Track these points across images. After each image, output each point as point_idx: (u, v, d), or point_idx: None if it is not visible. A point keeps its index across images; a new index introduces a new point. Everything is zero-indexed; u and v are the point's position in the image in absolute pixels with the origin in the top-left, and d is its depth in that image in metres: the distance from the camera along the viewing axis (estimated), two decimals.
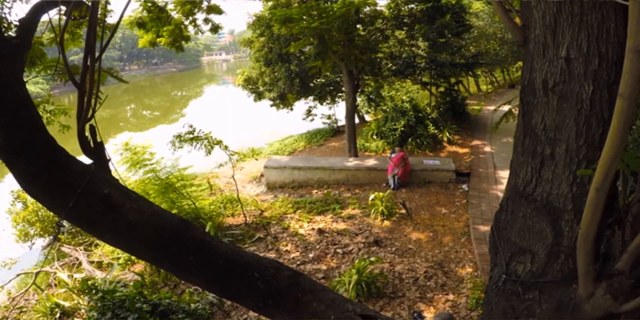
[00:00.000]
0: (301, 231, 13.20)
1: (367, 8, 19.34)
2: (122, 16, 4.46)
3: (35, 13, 5.75)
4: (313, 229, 13.27)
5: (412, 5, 21.14)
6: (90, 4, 5.88)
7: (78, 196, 4.18)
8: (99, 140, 4.74)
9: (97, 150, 4.78)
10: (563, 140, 2.41)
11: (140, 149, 13.88)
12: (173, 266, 4.21)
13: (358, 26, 19.24)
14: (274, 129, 32.82)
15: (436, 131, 22.55)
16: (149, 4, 10.88)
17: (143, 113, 65.21)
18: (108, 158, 4.98)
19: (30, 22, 5.47)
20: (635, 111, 1.85)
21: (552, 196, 2.53)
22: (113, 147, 13.46)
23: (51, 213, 15.06)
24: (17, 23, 4.86)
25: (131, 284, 9.58)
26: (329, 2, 19.92)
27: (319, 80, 25.97)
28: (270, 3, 22.92)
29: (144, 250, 4.30)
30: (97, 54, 4.50)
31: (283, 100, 26.75)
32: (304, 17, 14.78)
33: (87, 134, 4.27)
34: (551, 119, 2.44)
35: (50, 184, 4.33)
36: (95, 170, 4.56)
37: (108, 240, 4.71)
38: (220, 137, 13.90)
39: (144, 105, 70.44)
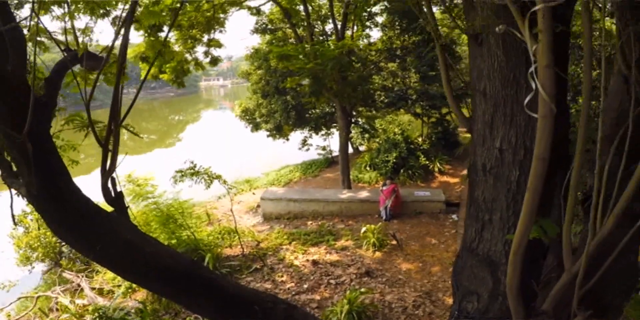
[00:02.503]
0: (296, 262, 13.75)
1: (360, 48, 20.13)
2: (122, 65, 5.17)
3: (59, 72, 6.46)
4: (308, 260, 13.82)
5: (404, 38, 22.04)
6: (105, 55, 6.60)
7: (104, 242, 4.90)
8: (118, 190, 5.46)
9: (117, 199, 5.51)
10: (497, 210, 3.14)
11: (142, 182, 14.55)
12: (186, 300, 4.87)
13: (352, 58, 19.98)
14: (270, 156, 33.31)
15: (427, 162, 23.28)
16: (152, 39, 11.10)
17: (140, 136, 65.19)
18: (127, 206, 5.70)
19: (55, 80, 6.19)
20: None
21: (491, 252, 3.26)
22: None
23: (53, 239, 15.61)
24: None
25: (133, 311, 10.14)
26: (325, 41, 20.87)
27: (315, 111, 26.67)
28: (267, 37, 23.88)
29: (162, 287, 4.97)
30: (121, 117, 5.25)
31: (279, 131, 27.42)
32: (300, 56, 15.54)
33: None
34: (489, 193, 3.18)
35: (79, 230, 5.06)
36: (117, 218, 5.31)
37: (129, 278, 5.37)
38: (216, 164, 14.49)
39: (141, 129, 70.59)
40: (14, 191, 4.98)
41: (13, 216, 10.88)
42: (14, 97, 5.15)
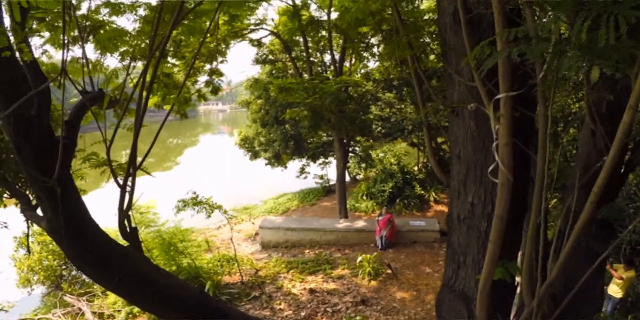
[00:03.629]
0: (294, 290, 14.17)
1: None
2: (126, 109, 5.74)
3: (78, 114, 7.06)
4: (305, 288, 14.24)
5: (401, 68, 22.53)
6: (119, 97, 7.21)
7: (122, 275, 5.45)
8: (133, 226, 6.01)
9: (132, 235, 6.07)
10: (470, 253, 3.71)
11: (145, 209, 15.08)
12: None
13: (350, 90, 20.52)
14: (268, 183, 33.69)
15: (423, 192, 23.80)
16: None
17: (138, 159, 65.18)
18: (141, 241, 6.25)
19: (75, 122, 6.77)
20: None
21: (466, 288, 3.81)
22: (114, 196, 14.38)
23: (54, 263, 16.00)
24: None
25: None
26: (324, 72, 21.52)
27: (313, 140, 27.13)
28: (267, 67, 24.55)
29: (174, 316, 5.47)
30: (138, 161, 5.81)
31: (278, 160, 27.87)
32: (299, 90, 16.16)
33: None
34: (463, 239, 3.76)
35: (99, 264, 5.61)
36: (133, 252, 5.86)
37: (145, 308, 5.87)
38: (214, 190, 14.95)
39: (139, 151, 70.24)
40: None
41: (28, 246, 11.31)
42: (38, 139, 5.68)
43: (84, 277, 16.50)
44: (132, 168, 5.61)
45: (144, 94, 5.68)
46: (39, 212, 6.74)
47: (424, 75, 4.86)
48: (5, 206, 10.18)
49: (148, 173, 6.83)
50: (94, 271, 5.78)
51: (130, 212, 14.90)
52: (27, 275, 15.75)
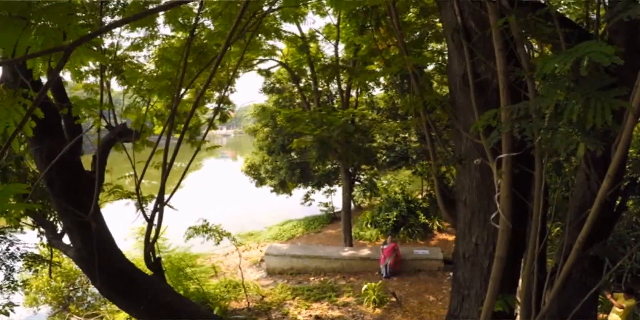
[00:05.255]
0: (300, 317, 14.44)
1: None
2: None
3: (105, 150, 7.54)
4: (310, 315, 14.52)
5: (406, 98, 22.78)
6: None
7: (147, 302, 5.85)
8: (157, 256, 6.40)
9: (156, 265, 6.47)
10: (474, 287, 4.12)
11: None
12: None
13: (356, 120, 20.91)
14: (272, 210, 33.84)
15: (427, 220, 24.07)
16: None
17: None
18: (162, 272, 6.64)
19: (102, 158, 7.24)
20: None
21: (469, 319, 4.20)
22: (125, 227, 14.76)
23: (62, 284, 16.29)
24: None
25: None
26: (330, 101, 22.00)
27: (319, 168, 27.20)
28: (275, 96, 25.04)
29: None
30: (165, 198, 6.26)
31: (283, 188, 28.20)
32: (307, 121, 16.63)
33: None
34: (467, 274, 4.17)
35: (125, 292, 6.01)
36: (157, 282, 6.27)
37: None
38: (218, 214, 15.25)
39: (139, 169, 70.32)
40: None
41: (50, 272, 11.66)
42: (69, 174, 6.11)
43: (89, 298, 16.83)
44: (159, 204, 6.03)
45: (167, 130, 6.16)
46: (65, 239, 7.16)
47: (435, 127, 5.33)
48: (22, 230, 10.63)
49: (172, 207, 7.25)
50: (121, 298, 6.15)
51: (142, 238, 15.27)
52: (35, 295, 16.01)
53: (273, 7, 8.75)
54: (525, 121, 2.78)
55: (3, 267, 10.32)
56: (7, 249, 10.21)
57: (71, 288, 16.67)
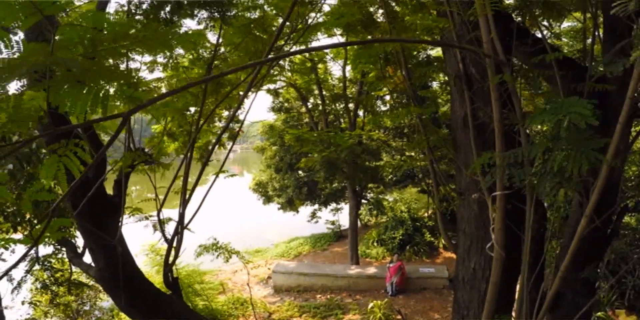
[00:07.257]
0: None
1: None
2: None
3: (126, 174, 7.94)
4: None
5: (412, 117, 23.11)
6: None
7: None
8: (175, 276, 6.79)
9: (174, 284, 6.87)
10: (472, 308, 4.50)
11: (164, 252, 15.77)
12: None
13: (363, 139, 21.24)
14: (278, 225, 34.32)
15: (432, 239, 24.30)
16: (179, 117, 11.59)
17: (148, 195, 65.76)
18: (180, 291, 7.01)
19: (124, 182, 7.65)
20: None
21: None
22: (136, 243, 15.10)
23: (71, 298, 16.56)
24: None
25: None
26: (338, 121, 22.39)
27: (326, 187, 27.39)
28: (283, 115, 25.42)
29: None
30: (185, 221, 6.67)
31: (290, 205, 28.38)
32: (315, 142, 16.97)
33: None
34: (466, 296, 4.55)
35: (147, 311, 6.39)
36: (176, 300, 6.66)
37: None
38: (225, 231, 15.52)
39: (149, 189, 70.38)
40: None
41: (69, 289, 11.99)
42: (94, 198, 6.50)
43: (97, 312, 17.06)
44: (180, 227, 6.42)
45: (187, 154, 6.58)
46: (85, 258, 7.53)
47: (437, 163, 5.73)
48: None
49: (190, 230, 7.64)
50: (141, 316, 6.52)
51: (152, 255, 15.64)
52: (44, 308, 16.28)
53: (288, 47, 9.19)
54: (515, 168, 3.17)
55: (49, 292, 10.64)
56: (52, 275, 10.54)
57: (79, 301, 16.94)
